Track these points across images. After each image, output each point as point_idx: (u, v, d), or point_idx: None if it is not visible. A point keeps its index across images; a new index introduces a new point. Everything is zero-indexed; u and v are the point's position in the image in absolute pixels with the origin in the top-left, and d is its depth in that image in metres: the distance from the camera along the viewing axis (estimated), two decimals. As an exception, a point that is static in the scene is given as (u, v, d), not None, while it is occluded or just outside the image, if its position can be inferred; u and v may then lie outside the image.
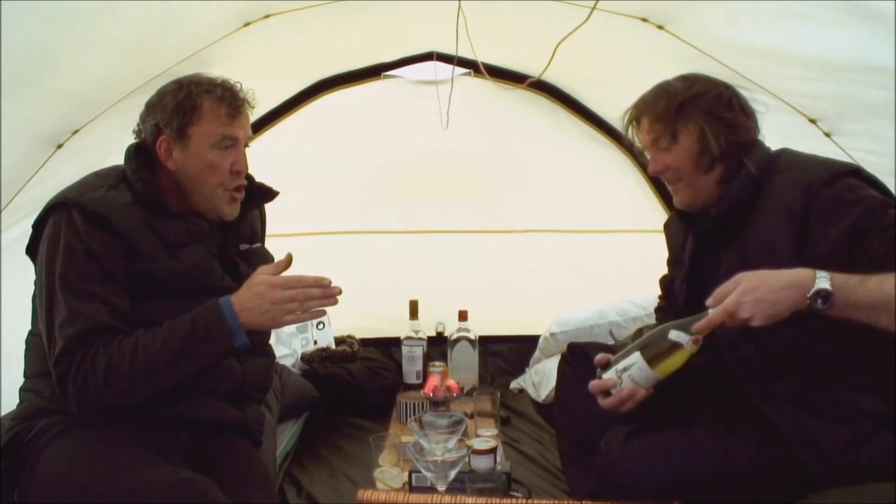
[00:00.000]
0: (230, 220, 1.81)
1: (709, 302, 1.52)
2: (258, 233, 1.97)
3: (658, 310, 2.05)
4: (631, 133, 1.82)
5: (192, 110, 1.70)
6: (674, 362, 1.57)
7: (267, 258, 1.91)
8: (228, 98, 1.72)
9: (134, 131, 1.79)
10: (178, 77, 1.77)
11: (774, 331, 1.50)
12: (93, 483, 1.46)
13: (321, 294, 1.61)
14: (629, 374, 1.62)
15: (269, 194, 1.93)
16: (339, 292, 1.63)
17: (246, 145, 1.80)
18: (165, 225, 1.70)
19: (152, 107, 1.74)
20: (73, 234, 1.60)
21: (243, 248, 1.86)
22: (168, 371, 1.57)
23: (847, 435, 1.52)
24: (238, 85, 1.77)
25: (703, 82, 1.74)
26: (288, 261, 1.67)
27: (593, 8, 1.99)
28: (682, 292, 1.85)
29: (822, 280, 1.41)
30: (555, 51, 2.30)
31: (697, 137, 1.69)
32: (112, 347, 1.55)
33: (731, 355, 1.70)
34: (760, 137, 1.76)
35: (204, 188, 1.74)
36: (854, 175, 1.57)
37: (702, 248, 1.80)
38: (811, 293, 1.41)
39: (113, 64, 1.98)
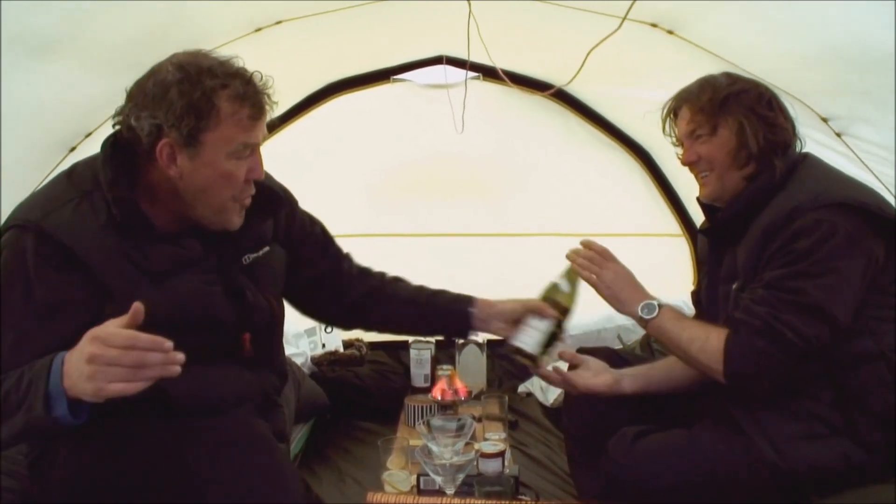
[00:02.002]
0: (232, 231, 1.55)
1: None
2: (266, 236, 1.68)
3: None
4: (668, 125, 1.84)
5: (209, 113, 1.39)
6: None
7: (274, 266, 1.70)
8: (250, 95, 1.43)
9: (116, 114, 1.47)
10: (178, 59, 1.44)
11: None
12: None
13: (160, 360, 1.17)
14: None
15: (279, 203, 1.69)
16: (182, 361, 1.18)
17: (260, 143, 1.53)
18: (147, 251, 1.43)
19: (151, 100, 1.40)
20: (20, 268, 1.35)
21: (247, 260, 1.61)
22: None
23: (798, 428, 1.58)
24: (258, 75, 1.47)
25: (747, 80, 1.77)
26: (135, 314, 1.19)
27: (624, 17, 2.00)
28: (706, 295, 1.89)
29: (658, 301, 1.73)
30: (585, 59, 2.32)
31: (736, 132, 1.70)
32: None
33: None
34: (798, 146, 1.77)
35: (214, 200, 1.48)
36: (839, 209, 1.55)
37: (713, 244, 1.85)
38: (644, 302, 1.73)
39: (121, 69, 1.98)
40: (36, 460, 1.50)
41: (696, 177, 1.82)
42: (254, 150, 1.49)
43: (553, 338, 1.81)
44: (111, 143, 1.48)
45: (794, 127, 1.75)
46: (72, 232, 1.38)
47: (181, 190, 1.46)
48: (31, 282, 1.35)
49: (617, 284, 1.78)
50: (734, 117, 1.70)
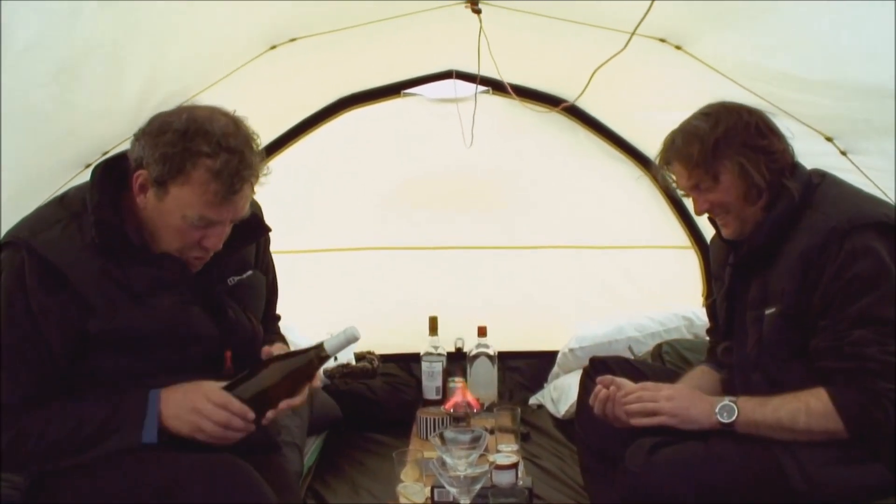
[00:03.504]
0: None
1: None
2: (250, 260, 1.75)
3: (708, 331, 2.06)
4: (662, 177, 1.82)
5: (180, 172, 1.44)
6: None
7: (257, 288, 1.77)
8: (226, 175, 1.44)
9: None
10: (196, 111, 1.50)
11: (784, 363, 1.63)
12: (130, 475, 1.45)
13: (242, 427, 1.49)
14: None
15: (261, 230, 1.75)
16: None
17: (233, 221, 1.55)
18: (129, 272, 1.50)
19: (151, 133, 1.48)
20: (18, 284, 1.44)
21: (232, 281, 1.68)
22: (69, 458, 1.46)
23: (832, 453, 1.54)
24: (249, 156, 1.48)
25: (728, 114, 1.70)
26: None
27: (632, 34, 2.00)
28: (722, 309, 1.87)
29: (728, 399, 1.63)
30: (591, 78, 2.33)
31: (739, 174, 1.66)
32: (21, 422, 1.44)
33: (740, 379, 1.75)
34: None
35: (164, 244, 1.54)
36: (879, 229, 1.54)
37: (739, 270, 1.80)
38: (718, 407, 1.62)
39: (142, 90, 2.02)
40: (32, 487, 1.56)
41: (715, 219, 1.79)
42: (214, 224, 1.51)
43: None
44: (101, 170, 1.55)
45: (787, 141, 1.71)
46: (58, 250, 1.45)
47: (145, 219, 1.53)
48: (28, 296, 1.44)
49: (681, 407, 1.67)
50: (731, 160, 1.66)
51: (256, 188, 1.56)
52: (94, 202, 1.49)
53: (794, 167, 1.71)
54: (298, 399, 1.57)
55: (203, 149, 1.44)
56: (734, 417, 1.61)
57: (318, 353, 1.53)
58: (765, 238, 1.68)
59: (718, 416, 1.62)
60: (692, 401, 1.69)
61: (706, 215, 1.85)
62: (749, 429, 1.61)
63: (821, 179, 1.70)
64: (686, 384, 1.87)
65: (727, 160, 1.66)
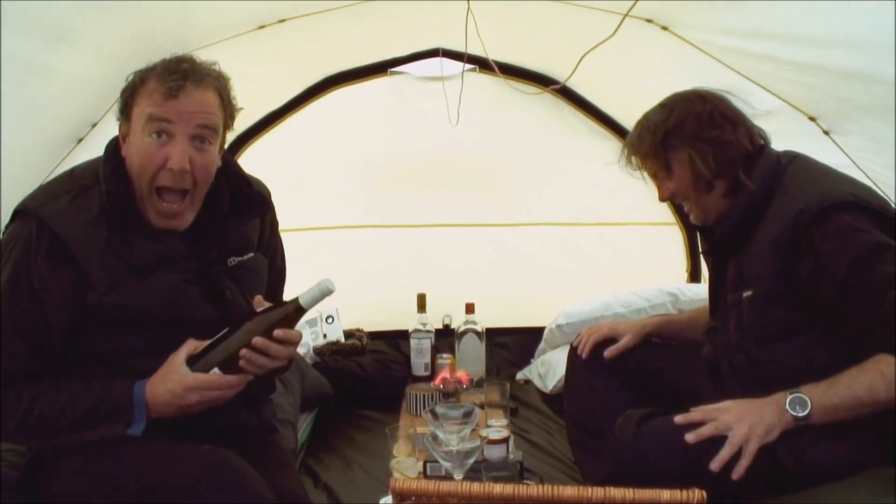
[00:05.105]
0: (209, 231, 1.62)
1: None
2: (252, 242, 1.72)
3: None
4: (628, 167, 1.91)
5: (133, 92, 1.51)
6: None
7: (258, 271, 1.73)
8: (169, 73, 1.47)
9: None
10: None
11: (764, 344, 1.65)
12: (121, 470, 1.44)
13: (233, 393, 1.53)
14: None
15: (263, 207, 1.74)
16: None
17: (212, 143, 1.54)
18: (132, 245, 1.51)
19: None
20: (25, 255, 1.47)
21: (232, 262, 1.66)
22: (54, 438, 1.49)
23: (821, 427, 1.53)
24: (197, 64, 1.52)
25: (681, 106, 1.76)
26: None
27: (624, 17, 2.03)
28: (711, 302, 1.93)
29: (788, 391, 1.52)
30: (579, 62, 2.36)
31: (688, 164, 1.73)
32: (11, 395, 1.47)
33: (724, 360, 1.78)
34: (767, 140, 1.78)
35: (138, 185, 1.53)
36: (846, 208, 1.56)
37: (716, 253, 1.87)
38: (787, 400, 1.51)
39: (128, 63, 2.01)
40: (30, 467, 1.58)
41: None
42: (168, 129, 1.49)
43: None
44: (114, 146, 1.58)
45: (748, 128, 1.75)
46: (64, 221, 1.48)
47: (130, 169, 1.54)
48: (31, 270, 1.46)
49: (749, 414, 1.54)
50: (681, 150, 1.73)
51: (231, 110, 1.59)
52: (106, 173, 1.53)
53: (752, 154, 1.73)
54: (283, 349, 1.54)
55: (159, 65, 1.51)
56: (808, 409, 1.50)
57: (294, 307, 1.53)
58: (731, 230, 1.74)
59: (790, 410, 1.51)
60: (750, 405, 1.56)
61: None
62: (825, 416, 1.50)
63: (790, 161, 1.73)
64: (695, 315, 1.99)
65: (677, 150, 1.74)
